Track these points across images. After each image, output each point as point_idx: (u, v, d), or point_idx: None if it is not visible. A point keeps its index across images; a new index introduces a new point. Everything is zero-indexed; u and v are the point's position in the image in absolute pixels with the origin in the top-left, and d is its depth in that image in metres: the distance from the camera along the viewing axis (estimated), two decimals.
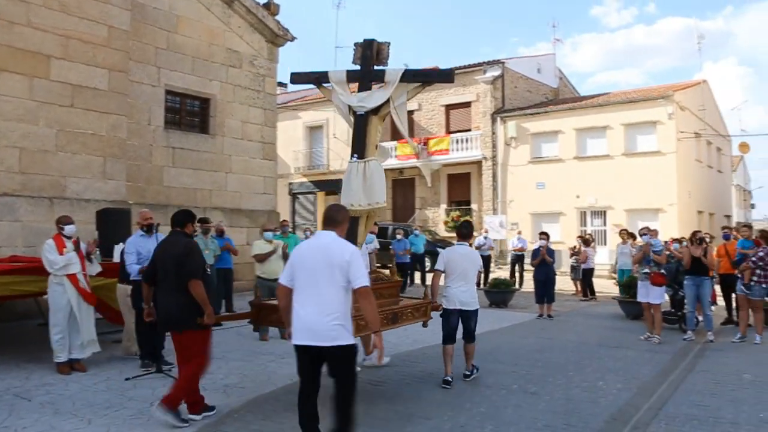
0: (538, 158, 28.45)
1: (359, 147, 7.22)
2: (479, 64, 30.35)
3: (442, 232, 29.49)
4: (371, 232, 9.69)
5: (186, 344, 5.79)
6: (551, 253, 13.83)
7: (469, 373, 7.72)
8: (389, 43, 7.75)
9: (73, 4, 12.18)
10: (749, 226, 12.58)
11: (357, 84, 7.65)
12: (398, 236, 18.64)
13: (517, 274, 19.15)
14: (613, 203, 26.25)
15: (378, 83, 7.48)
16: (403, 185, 33.39)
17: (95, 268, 8.05)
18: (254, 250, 10.25)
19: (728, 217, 34.32)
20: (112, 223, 10.33)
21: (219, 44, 16.43)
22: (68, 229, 7.78)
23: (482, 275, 19.08)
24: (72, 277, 7.62)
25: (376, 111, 7.33)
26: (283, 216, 33.73)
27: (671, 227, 23.14)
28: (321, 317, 4.67)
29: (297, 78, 8.20)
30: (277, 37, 18.06)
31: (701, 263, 10.87)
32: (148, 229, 8.11)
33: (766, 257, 10.67)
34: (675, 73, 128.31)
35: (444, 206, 31.61)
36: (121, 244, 9.31)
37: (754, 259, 10.67)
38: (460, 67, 31.13)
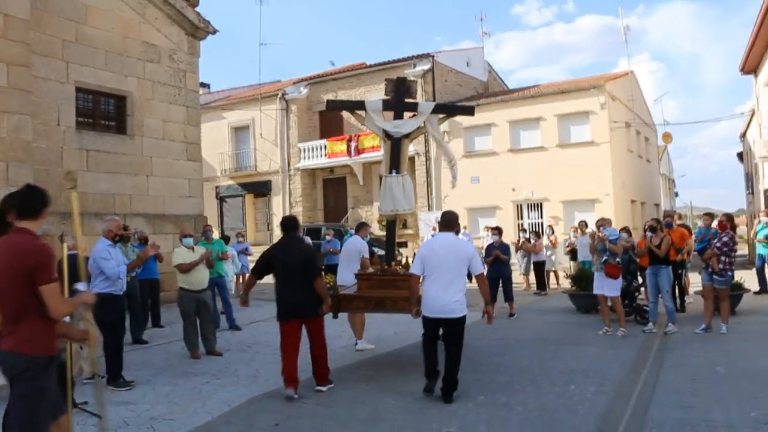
0: (472, 152, 27.99)
1: (396, 164, 8.81)
2: (408, 58, 29.72)
3: (377, 231, 28.69)
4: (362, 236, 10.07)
5: (313, 328, 7.01)
6: (506, 249, 13.20)
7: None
8: (416, 81, 11.27)
9: None
10: (710, 215, 12.17)
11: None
12: (327, 237, 17.90)
13: None
14: (549, 195, 26.00)
15: (409, 113, 9.15)
16: (334, 184, 32.49)
17: None
18: (176, 258, 9.15)
19: (657, 205, 34.77)
20: None
21: (134, 37, 15.17)
22: None
23: None
24: None
25: (407, 135, 8.93)
26: (211, 220, 32.43)
27: (607, 217, 22.93)
28: (450, 296, 6.40)
29: (332, 105, 9.98)
30: (198, 30, 16.89)
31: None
32: (121, 238, 7.76)
33: (731, 242, 10.23)
34: (594, 69, 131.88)
35: (378, 204, 30.78)
36: None
37: (718, 245, 10.20)
38: (388, 62, 30.53)
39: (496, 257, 12.94)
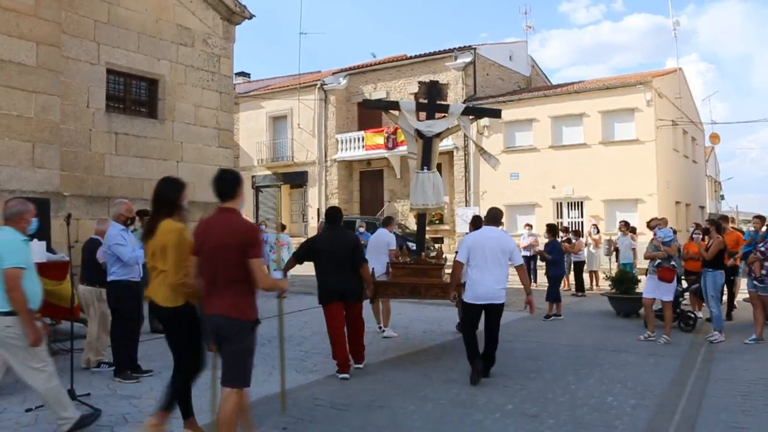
0: (512, 147, 27.33)
1: (428, 161, 9.31)
2: (450, 50, 29.15)
3: (413, 225, 28.18)
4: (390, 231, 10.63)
5: (355, 311, 7.53)
6: (552, 247, 12.57)
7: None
8: (448, 84, 11.64)
9: None
10: (761, 217, 11.40)
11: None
12: (360, 229, 17.59)
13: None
14: (590, 194, 25.22)
15: (440, 114, 9.63)
16: (371, 177, 32.09)
17: None
18: None
19: (702, 208, 33.64)
20: None
21: (168, 20, 14.89)
22: None
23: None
24: None
25: (438, 135, 9.46)
26: (247, 210, 32.29)
27: (663, 216, 22.08)
28: (494, 285, 7.03)
29: (368, 104, 11.10)
30: (234, 14, 16.57)
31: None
32: (132, 221, 7.50)
33: None
34: (640, 69, 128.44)
35: None
36: (35, 240, 7.89)
37: (762, 249, 9.56)
38: (429, 53, 29.99)
39: (542, 256, 12.50)
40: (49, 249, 8.65)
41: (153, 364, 7.43)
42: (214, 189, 4.60)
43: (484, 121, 27.45)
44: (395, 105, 10.05)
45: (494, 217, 7.61)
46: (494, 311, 7.17)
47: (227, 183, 4.60)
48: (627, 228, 15.89)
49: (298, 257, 7.71)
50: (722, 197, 51.19)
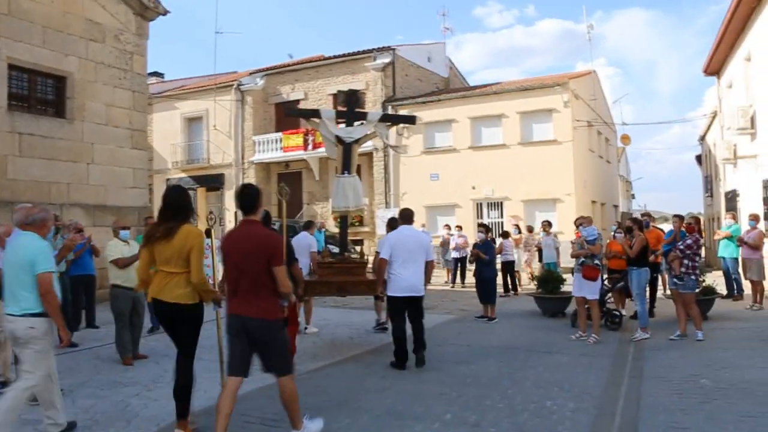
0: (432, 148, 27.33)
1: (348, 166, 9.76)
2: (369, 51, 28.89)
3: (332, 228, 27.83)
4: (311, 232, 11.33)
5: (288, 312, 6.91)
6: (488, 247, 12.40)
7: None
8: (364, 93, 12.83)
9: None
10: (680, 217, 11.68)
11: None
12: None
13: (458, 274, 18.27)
14: (510, 194, 25.47)
15: (358, 121, 10.20)
16: (289, 179, 31.48)
17: None
18: (111, 252, 8.22)
19: (616, 207, 34.62)
20: None
21: (76, 13, 14.06)
22: None
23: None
24: None
25: (357, 140, 9.93)
26: None
27: (569, 217, 22.49)
28: (415, 278, 7.77)
29: (290, 112, 13.95)
30: (147, 10, 15.85)
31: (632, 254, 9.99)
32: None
33: (694, 245, 9.81)
34: (552, 72, 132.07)
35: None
36: None
37: (681, 247, 9.79)
38: (348, 54, 29.69)
39: (477, 256, 12.18)
40: None
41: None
42: (238, 204, 5.02)
43: None
44: (316, 113, 10.59)
45: (408, 216, 8.34)
46: (415, 303, 7.92)
47: (250, 197, 5.01)
48: (549, 227, 16.06)
49: None
50: (633, 196, 53.10)
